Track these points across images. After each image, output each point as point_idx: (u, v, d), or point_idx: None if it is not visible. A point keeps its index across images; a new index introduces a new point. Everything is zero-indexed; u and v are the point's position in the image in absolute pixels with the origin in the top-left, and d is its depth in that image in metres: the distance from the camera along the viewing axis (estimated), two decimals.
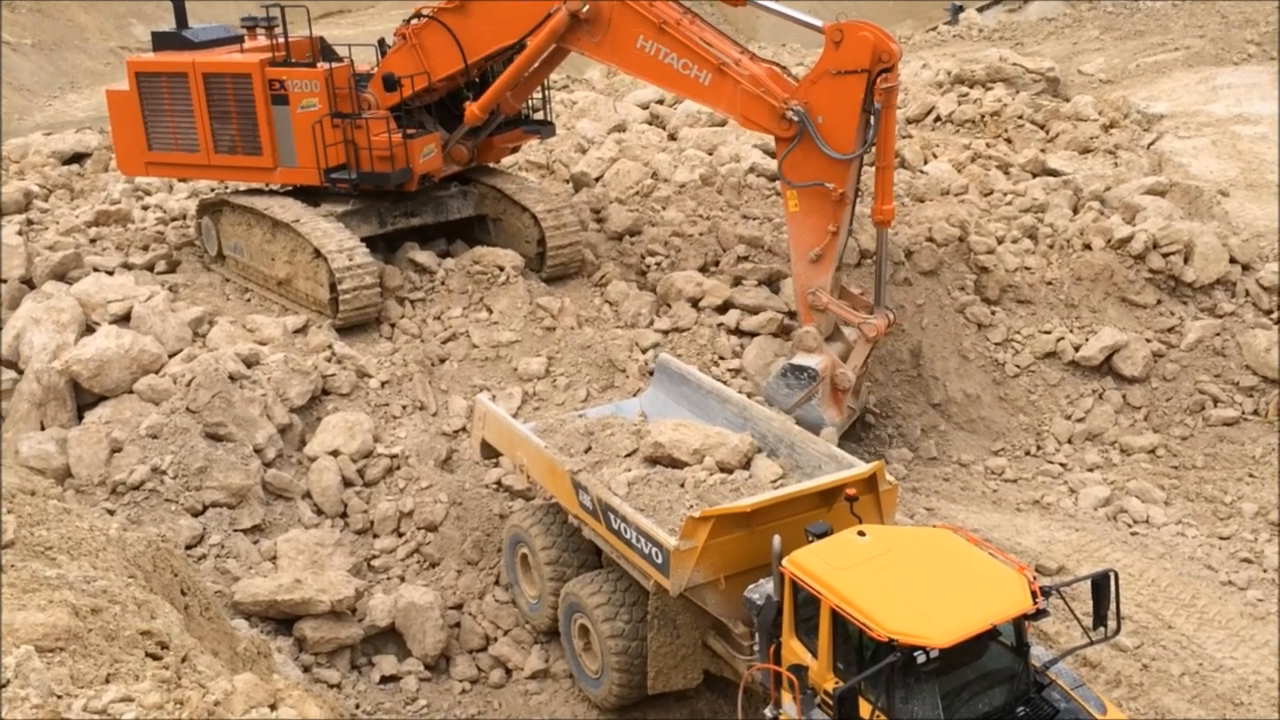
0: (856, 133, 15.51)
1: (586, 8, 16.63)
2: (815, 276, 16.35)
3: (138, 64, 19.53)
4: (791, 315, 18.02)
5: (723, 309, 18.61)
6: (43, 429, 15.30)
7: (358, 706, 13.29)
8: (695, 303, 18.67)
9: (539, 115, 20.48)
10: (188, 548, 13.89)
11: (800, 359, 16.60)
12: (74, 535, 8.50)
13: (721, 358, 17.94)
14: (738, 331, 18.41)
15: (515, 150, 21.62)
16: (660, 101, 28.39)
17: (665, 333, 18.37)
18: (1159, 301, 19.45)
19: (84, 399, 15.64)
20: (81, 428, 15.04)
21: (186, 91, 18.75)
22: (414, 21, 18.19)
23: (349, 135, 18.00)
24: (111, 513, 13.55)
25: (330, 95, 17.95)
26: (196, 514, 14.32)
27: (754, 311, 18.44)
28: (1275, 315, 18.95)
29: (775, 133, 15.98)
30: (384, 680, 13.73)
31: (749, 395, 16.44)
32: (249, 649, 9.69)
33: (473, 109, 18.35)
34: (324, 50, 19.09)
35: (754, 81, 15.88)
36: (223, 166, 19.21)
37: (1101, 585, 10.12)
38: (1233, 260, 19.56)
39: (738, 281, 19.01)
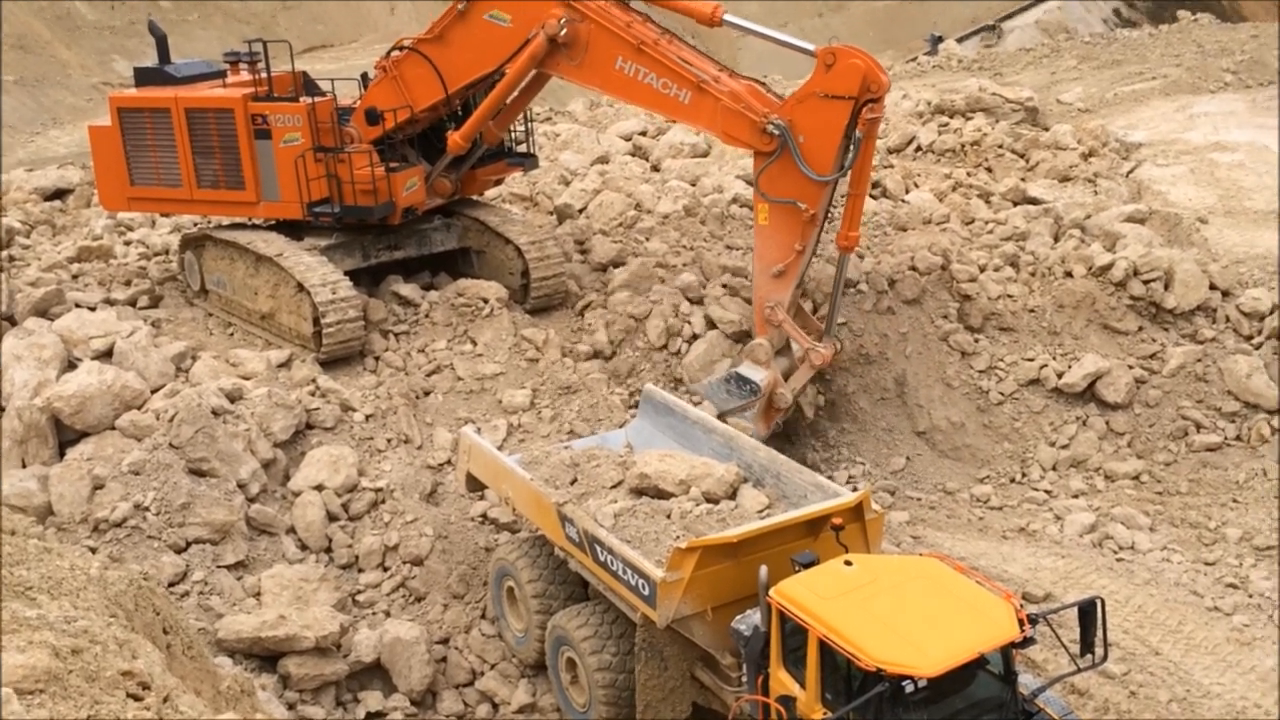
0: (836, 156, 15.61)
1: (564, 31, 16.71)
2: (775, 291, 16.44)
3: (120, 99, 19.53)
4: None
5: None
6: (24, 466, 15.19)
7: None
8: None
9: (522, 147, 20.56)
10: (170, 585, 13.77)
11: (747, 369, 16.75)
12: (54, 575, 8.41)
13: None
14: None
15: (499, 183, 21.67)
16: (643, 133, 28.53)
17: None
18: (1140, 328, 19.56)
19: (66, 436, 15.54)
20: (63, 465, 14.94)
21: (169, 126, 18.73)
22: (394, 54, 18.26)
23: (332, 169, 18.02)
24: (94, 550, 13.44)
25: (313, 129, 17.98)
26: (179, 551, 14.21)
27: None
28: (1256, 341, 19.06)
29: (756, 147, 16.00)
30: (370, 717, 13.61)
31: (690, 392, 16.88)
32: (232, 687, 9.58)
33: (455, 138, 18.40)
34: (307, 85, 19.13)
35: (734, 97, 15.96)
36: (206, 201, 19.18)
37: (1088, 612, 10.13)
38: (1213, 286, 19.69)
39: None
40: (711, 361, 17.93)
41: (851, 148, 15.56)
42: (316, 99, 18.31)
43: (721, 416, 16.43)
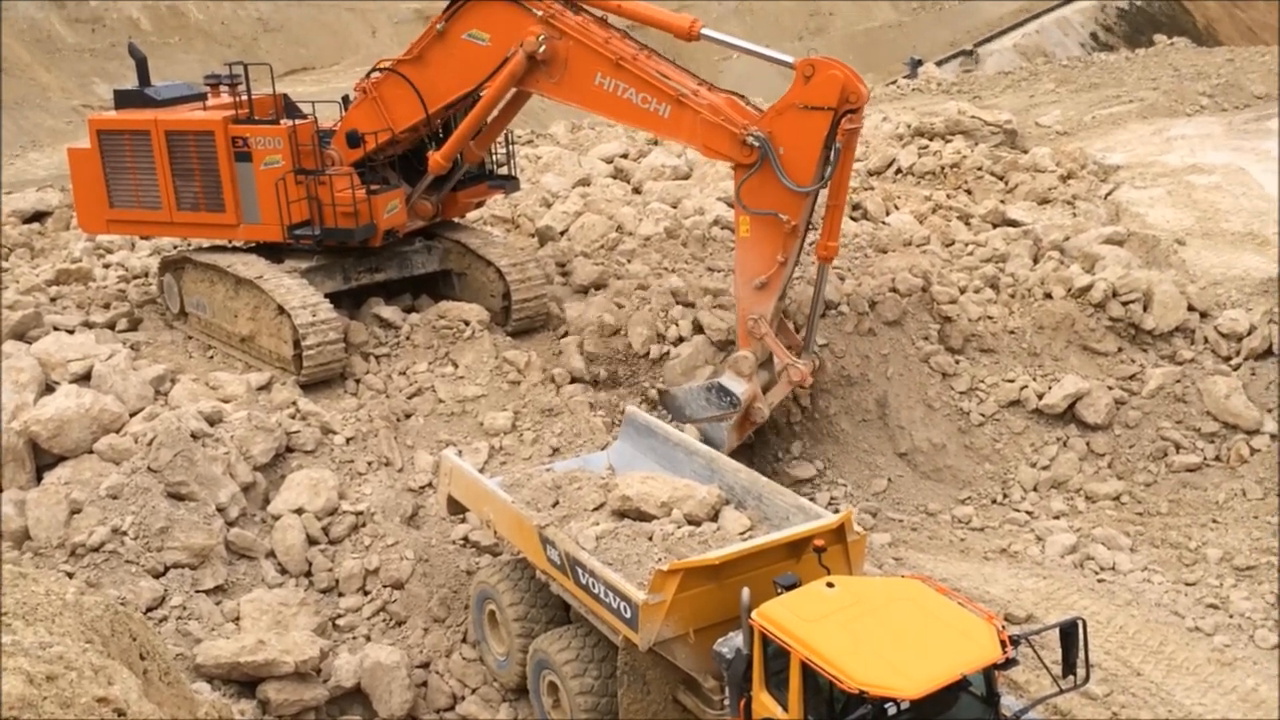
0: (816, 168, 15.61)
1: (543, 49, 16.73)
2: (758, 304, 16.34)
3: (99, 121, 19.51)
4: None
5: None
6: (0, 491, 15.06)
7: None
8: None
9: (503, 170, 20.57)
10: (148, 610, 13.65)
11: (729, 381, 16.61)
12: (29, 600, 8.32)
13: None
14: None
15: (480, 205, 21.67)
16: (625, 155, 28.62)
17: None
18: (1120, 349, 19.65)
19: (43, 459, 15.42)
20: (40, 489, 14.82)
21: (149, 149, 18.69)
22: (373, 76, 18.28)
23: (313, 192, 18.00)
24: (70, 575, 13.33)
25: (294, 152, 17.96)
26: (158, 575, 14.10)
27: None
28: (1234, 362, 19.18)
29: (736, 159, 15.98)
30: None
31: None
32: (210, 713, 9.50)
33: (436, 158, 18.41)
34: (288, 107, 19.13)
35: (713, 110, 15.99)
36: (185, 224, 19.14)
37: (1070, 633, 10.13)
38: (1191, 308, 19.81)
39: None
40: (694, 367, 17.93)
41: (831, 159, 15.60)
42: (297, 121, 18.31)
43: (691, 422, 16.58)
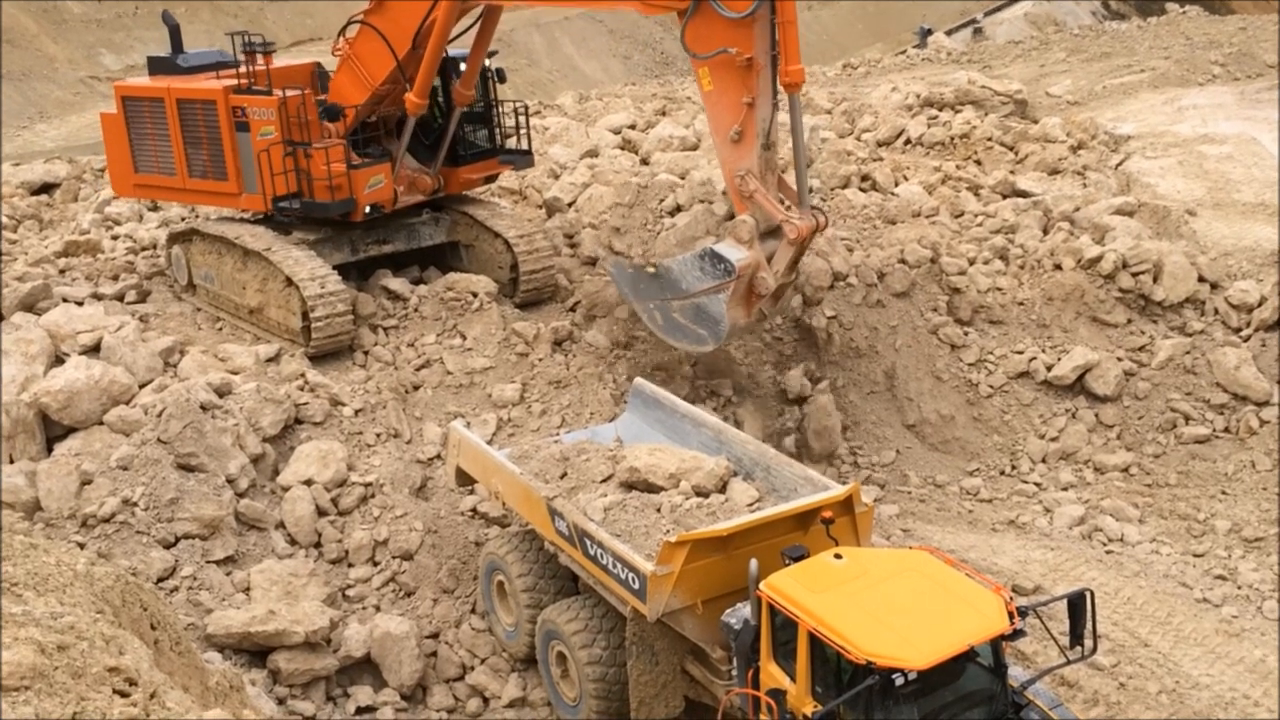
0: None
1: None
2: (740, 158, 15.25)
3: (124, 88, 19.82)
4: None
5: None
6: (11, 462, 15.12)
7: None
8: None
9: (510, 142, 20.33)
10: (159, 580, 13.73)
11: (725, 248, 15.43)
12: (40, 570, 8.37)
13: None
14: None
15: (492, 180, 21.32)
16: (633, 126, 28.48)
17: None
18: (1129, 320, 19.59)
19: (53, 431, 15.47)
20: (51, 460, 14.87)
21: (163, 116, 18.87)
22: (345, 36, 18.10)
23: (301, 164, 17.92)
24: (81, 546, 13.38)
25: (284, 123, 17.86)
26: (168, 546, 14.17)
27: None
28: (1244, 333, 19.11)
29: (674, 6, 15.32)
30: (360, 711, 13.59)
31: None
32: (221, 683, 9.56)
33: (410, 97, 17.99)
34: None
35: None
36: (196, 191, 19.31)
37: (1078, 604, 10.14)
38: (1201, 279, 19.73)
39: None
40: (693, 238, 16.40)
41: None
42: (288, 92, 18.06)
43: (691, 297, 15.33)
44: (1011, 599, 10.05)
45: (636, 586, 11.39)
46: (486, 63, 19.32)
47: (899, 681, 9.25)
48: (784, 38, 14.87)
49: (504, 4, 17.95)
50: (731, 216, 16.97)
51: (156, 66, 19.83)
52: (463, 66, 18.74)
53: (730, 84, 15.07)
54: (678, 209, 17.27)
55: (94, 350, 16.56)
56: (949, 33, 54.10)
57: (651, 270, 16.61)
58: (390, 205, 18.83)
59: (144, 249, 21.68)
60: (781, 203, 15.54)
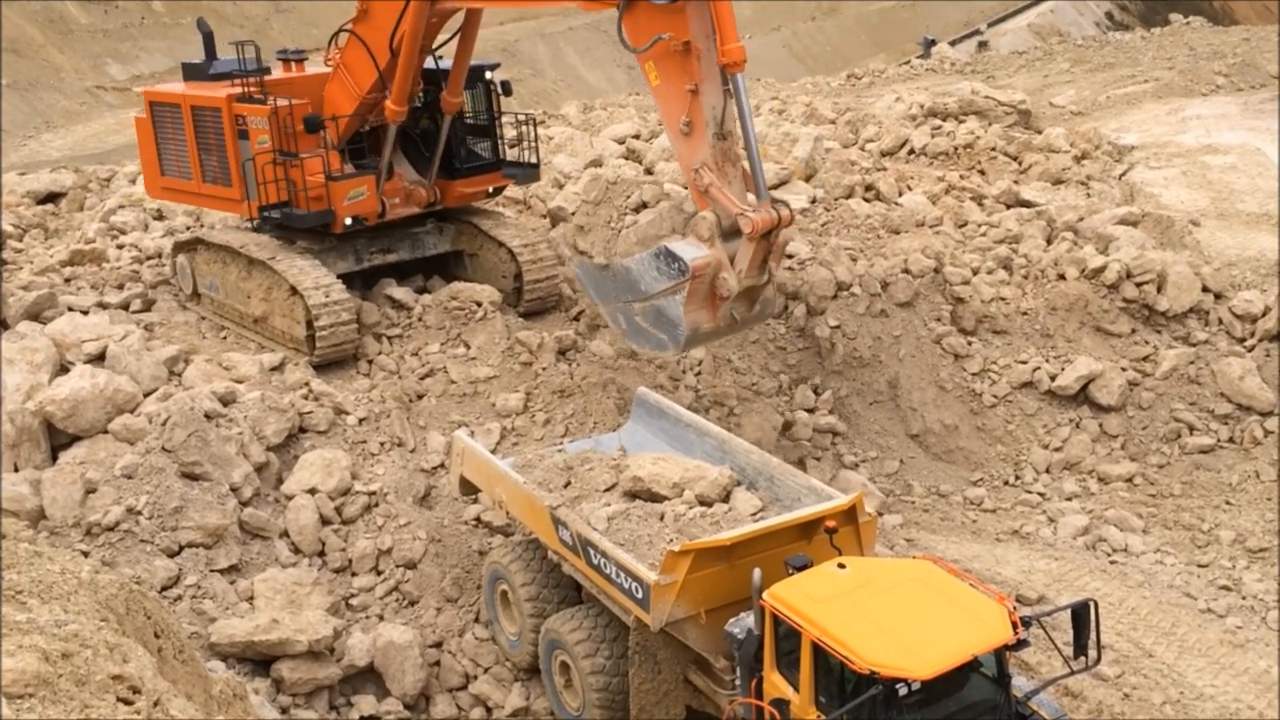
0: None
1: None
2: (693, 151, 14.47)
3: (151, 94, 20.20)
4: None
5: None
6: (16, 470, 15.15)
7: None
8: None
9: (513, 155, 20.21)
10: (163, 589, 13.74)
11: (680, 246, 14.44)
12: (45, 579, 8.38)
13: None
14: None
15: (497, 193, 20.96)
16: (636, 136, 28.52)
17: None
18: (1133, 330, 19.59)
19: (58, 439, 15.51)
20: (56, 469, 14.90)
21: (180, 122, 19.13)
22: (335, 46, 18.17)
23: (289, 174, 17.97)
24: (86, 554, 13.40)
25: (276, 132, 17.90)
26: (172, 555, 14.18)
27: None
28: (1248, 343, 19.10)
29: (610, 1, 15.09)
30: None
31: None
32: (225, 691, 9.56)
33: (390, 105, 17.89)
34: None
35: None
36: (209, 195, 19.48)
37: (1082, 615, 10.13)
38: (1205, 289, 19.73)
39: None
40: (656, 236, 15.77)
41: None
42: (279, 103, 18.08)
43: (650, 299, 14.61)
44: (1015, 609, 10.03)
45: (640, 596, 11.39)
46: (489, 75, 19.35)
47: (903, 692, 9.25)
48: (718, 15, 14.15)
49: (462, 4, 17.49)
50: None
51: (189, 73, 20.16)
52: None
53: (673, 73, 14.50)
54: (643, 205, 16.74)
55: (99, 359, 16.61)
56: (953, 43, 54.27)
57: (607, 268, 15.88)
58: (374, 218, 18.62)
59: (149, 258, 21.73)
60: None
